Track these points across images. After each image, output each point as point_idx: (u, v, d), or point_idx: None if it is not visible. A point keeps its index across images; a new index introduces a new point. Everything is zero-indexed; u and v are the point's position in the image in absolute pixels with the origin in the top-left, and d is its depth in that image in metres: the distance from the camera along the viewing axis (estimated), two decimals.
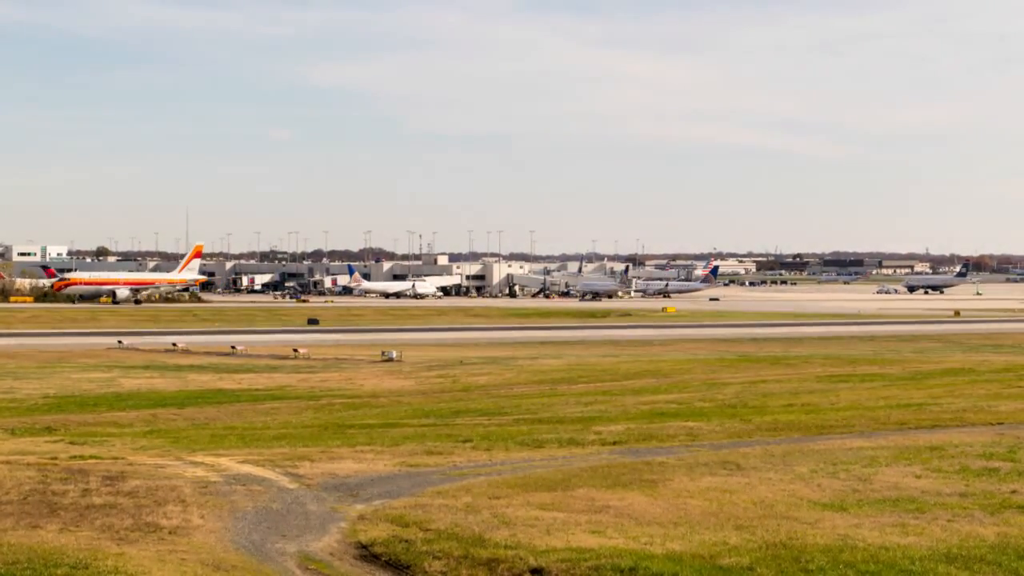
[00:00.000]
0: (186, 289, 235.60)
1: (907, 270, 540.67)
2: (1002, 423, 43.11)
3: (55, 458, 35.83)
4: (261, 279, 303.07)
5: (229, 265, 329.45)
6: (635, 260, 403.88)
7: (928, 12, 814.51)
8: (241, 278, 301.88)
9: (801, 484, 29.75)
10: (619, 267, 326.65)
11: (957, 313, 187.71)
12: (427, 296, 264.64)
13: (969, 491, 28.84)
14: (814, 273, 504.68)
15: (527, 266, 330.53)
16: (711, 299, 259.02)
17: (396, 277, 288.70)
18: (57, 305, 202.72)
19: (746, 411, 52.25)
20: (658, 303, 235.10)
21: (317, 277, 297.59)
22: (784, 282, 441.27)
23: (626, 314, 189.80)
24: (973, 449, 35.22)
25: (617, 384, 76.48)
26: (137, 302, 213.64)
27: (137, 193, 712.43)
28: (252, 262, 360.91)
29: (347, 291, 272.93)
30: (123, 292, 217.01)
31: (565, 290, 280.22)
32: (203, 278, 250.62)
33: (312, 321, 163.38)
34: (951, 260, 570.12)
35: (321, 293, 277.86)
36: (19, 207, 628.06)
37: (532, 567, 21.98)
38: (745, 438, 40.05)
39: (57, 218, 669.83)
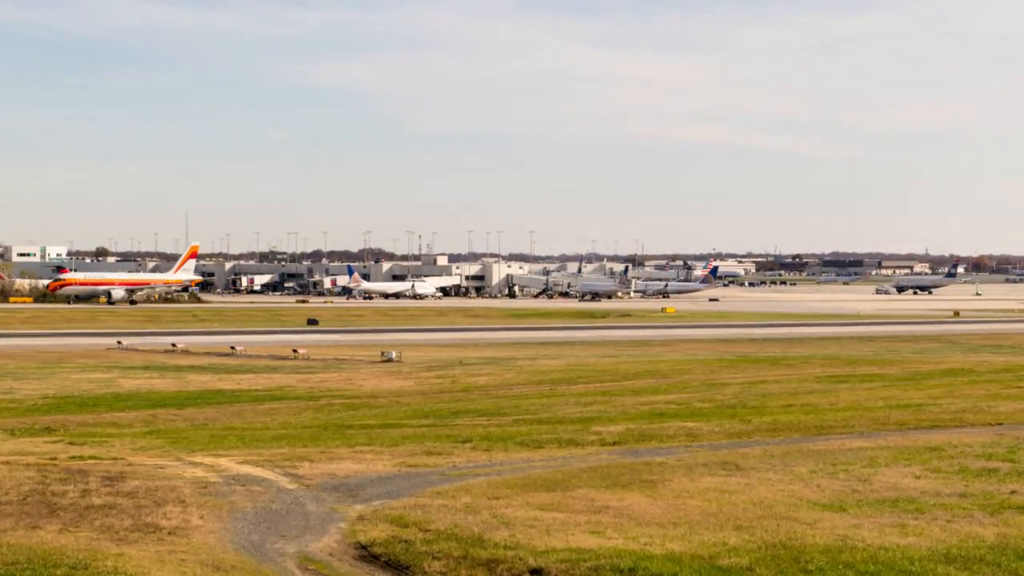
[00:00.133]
0: (184, 289, 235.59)
1: (907, 271, 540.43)
2: (1001, 424, 43.11)
3: (54, 458, 35.83)
4: (260, 279, 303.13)
5: (228, 265, 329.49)
6: (634, 260, 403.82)
7: (928, 12, 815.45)
8: (240, 278, 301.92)
9: (800, 484, 29.76)
10: (618, 267, 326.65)
11: (956, 314, 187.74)
12: (426, 297, 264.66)
13: (968, 491, 28.84)
14: (813, 274, 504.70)
15: (527, 266, 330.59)
16: (710, 299, 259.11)
17: (395, 278, 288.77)
18: (56, 306, 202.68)
19: (745, 411, 52.24)
20: (657, 303, 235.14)
21: (316, 278, 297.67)
22: (783, 283, 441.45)
23: (625, 314, 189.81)
24: (972, 450, 35.23)
25: (616, 385, 76.46)
26: (132, 302, 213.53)
27: (137, 193, 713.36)
28: (251, 262, 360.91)
29: (346, 292, 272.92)
30: (119, 292, 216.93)
31: (565, 290, 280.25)
32: (199, 278, 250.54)
33: (311, 321, 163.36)
34: (950, 261, 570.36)
35: (320, 294, 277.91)
36: (19, 207, 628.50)
37: (531, 567, 21.99)
38: (744, 438, 40.05)
39: (57, 218, 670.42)
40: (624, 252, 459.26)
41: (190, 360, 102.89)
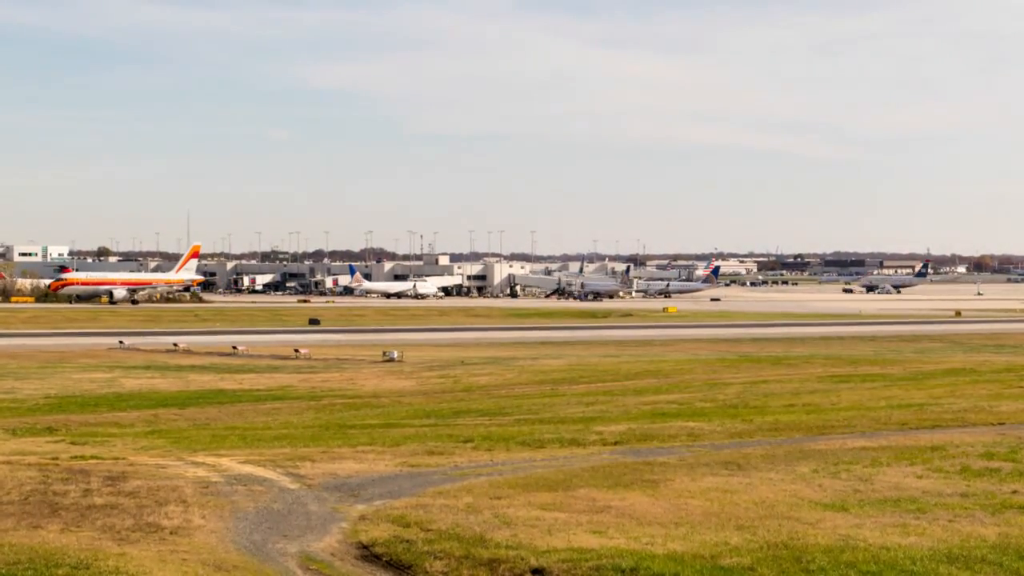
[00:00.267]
0: (186, 289, 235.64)
1: (908, 270, 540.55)
2: (1003, 423, 43.11)
3: (56, 458, 35.84)
4: (262, 279, 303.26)
5: (230, 265, 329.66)
6: (636, 260, 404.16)
7: (927, 12, 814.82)
8: (242, 278, 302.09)
9: (802, 484, 29.75)
10: (620, 267, 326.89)
11: (958, 313, 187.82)
12: (428, 296, 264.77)
13: (970, 491, 28.84)
14: (815, 273, 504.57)
15: (528, 266, 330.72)
16: (712, 299, 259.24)
17: (397, 277, 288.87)
18: (58, 305, 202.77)
19: (747, 411, 52.25)
20: (659, 303, 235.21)
21: (318, 277, 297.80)
22: (785, 282, 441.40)
23: (627, 314, 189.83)
24: (974, 449, 35.22)
25: (618, 384, 76.46)
26: (134, 302, 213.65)
27: (138, 193, 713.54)
28: (253, 262, 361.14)
29: (348, 291, 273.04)
30: (120, 292, 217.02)
31: (568, 290, 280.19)
32: (200, 278, 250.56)
33: (313, 321, 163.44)
34: (952, 260, 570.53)
35: (322, 293, 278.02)
36: (21, 207, 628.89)
37: (533, 567, 21.98)
38: (746, 438, 40.04)
39: (58, 218, 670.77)
40: (626, 252, 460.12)
41: (192, 360, 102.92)
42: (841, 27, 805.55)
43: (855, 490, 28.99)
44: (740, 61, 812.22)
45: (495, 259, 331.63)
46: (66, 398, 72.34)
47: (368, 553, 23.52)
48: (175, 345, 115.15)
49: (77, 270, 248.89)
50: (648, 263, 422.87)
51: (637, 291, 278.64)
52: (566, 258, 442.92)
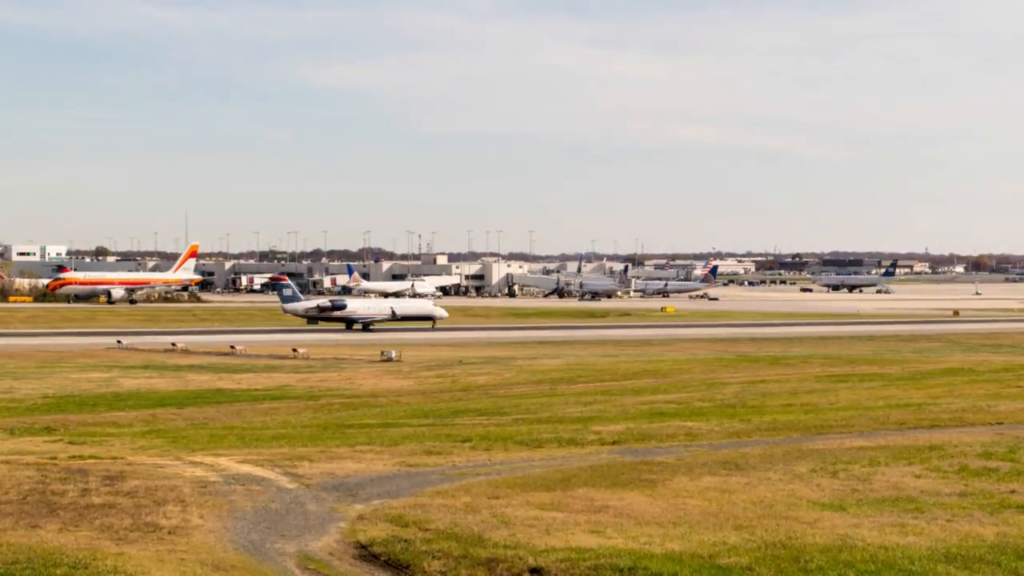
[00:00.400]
0: (184, 289, 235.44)
1: (907, 270, 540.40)
2: (1001, 423, 43.14)
3: (54, 458, 35.83)
4: (260, 279, 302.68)
5: (228, 265, 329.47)
6: (634, 260, 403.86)
7: (926, 12, 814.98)
8: (240, 278, 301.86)
9: (800, 484, 29.76)
10: (618, 267, 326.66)
11: (956, 313, 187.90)
12: (426, 296, 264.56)
13: (968, 491, 28.85)
14: (813, 273, 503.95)
15: (526, 266, 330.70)
16: (710, 299, 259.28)
17: (395, 277, 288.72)
18: (56, 305, 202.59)
19: (745, 411, 52.26)
20: (657, 303, 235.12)
21: (316, 277, 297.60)
22: (783, 282, 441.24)
23: (625, 314, 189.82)
24: (972, 449, 35.24)
25: (616, 384, 76.47)
26: (132, 302, 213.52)
27: (136, 193, 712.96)
28: (251, 262, 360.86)
29: (346, 291, 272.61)
30: (118, 292, 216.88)
31: (566, 289, 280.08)
32: (198, 278, 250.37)
33: (312, 321, 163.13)
34: (950, 260, 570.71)
35: (320, 293, 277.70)
36: (19, 207, 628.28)
37: (531, 567, 21.98)
38: (744, 438, 40.05)
39: (56, 218, 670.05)
40: (624, 252, 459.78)
41: (190, 359, 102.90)
42: (839, 27, 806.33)
43: (853, 490, 29.00)
44: (739, 61, 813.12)
45: (493, 259, 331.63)
46: (64, 398, 72.31)
47: (366, 552, 23.52)
48: (173, 345, 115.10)
49: (75, 270, 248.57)
50: (646, 263, 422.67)
51: (635, 291, 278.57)
52: (564, 258, 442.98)
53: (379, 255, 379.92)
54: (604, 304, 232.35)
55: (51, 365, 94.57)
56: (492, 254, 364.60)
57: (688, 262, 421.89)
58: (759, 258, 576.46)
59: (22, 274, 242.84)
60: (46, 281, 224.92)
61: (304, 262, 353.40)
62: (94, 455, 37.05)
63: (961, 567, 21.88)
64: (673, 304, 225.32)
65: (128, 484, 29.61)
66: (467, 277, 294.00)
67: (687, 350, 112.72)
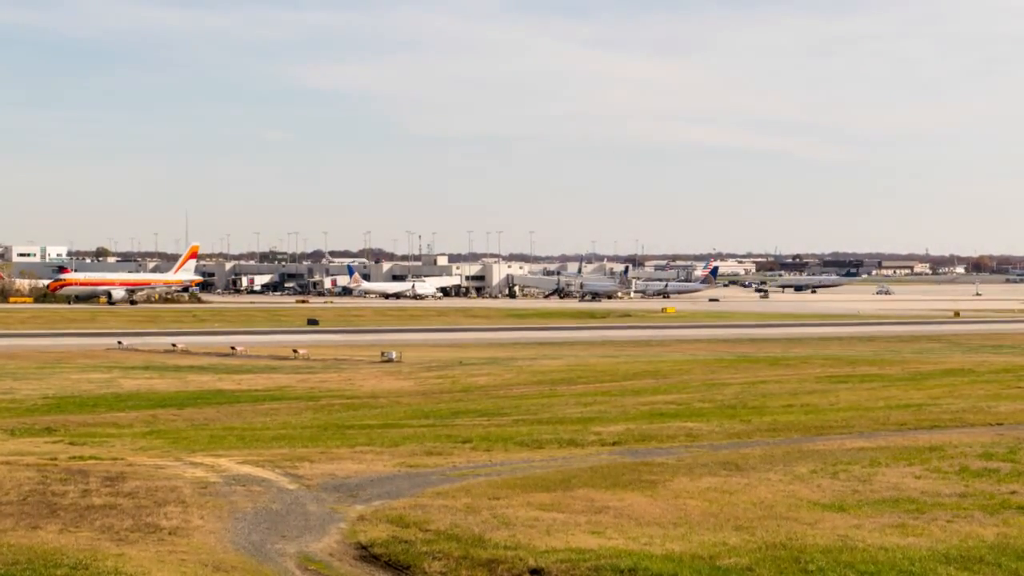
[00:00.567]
0: (184, 289, 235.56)
1: (907, 270, 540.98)
2: (1002, 424, 43.12)
3: (55, 459, 35.82)
4: (261, 280, 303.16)
5: (229, 266, 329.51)
6: (635, 261, 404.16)
7: (925, 13, 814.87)
8: (241, 279, 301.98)
9: (801, 485, 29.76)
10: (619, 268, 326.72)
11: (957, 314, 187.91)
12: (427, 297, 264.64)
13: (969, 492, 28.85)
14: (814, 274, 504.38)
15: (527, 267, 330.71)
16: (711, 300, 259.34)
17: (396, 278, 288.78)
18: (56, 306, 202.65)
19: (745, 412, 52.25)
20: (658, 304, 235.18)
21: (317, 278, 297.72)
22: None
23: (625, 315, 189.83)
24: (973, 450, 35.23)
25: (616, 385, 76.45)
26: (133, 303, 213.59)
27: (137, 194, 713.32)
28: (252, 263, 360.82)
29: (347, 292, 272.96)
30: (119, 293, 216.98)
31: (567, 290, 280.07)
32: (199, 278, 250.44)
33: (312, 322, 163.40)
34: (951, 260, 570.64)
35: (321, 294, 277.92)
36: (19, 207, 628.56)
37: (532, 568, 21.98)
38: (745, 439, 40.04)
39: (57, 219, 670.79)
40: (624, 252, 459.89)
41: (190, 360, 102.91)
42: (839, 27, 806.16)
43: (853, 490, 29.00)
44: (738, 61, 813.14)
45: (493, 259, 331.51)
46: (64, 398, 72.32)
47: (367, 553, 23.52)
48: (173, 345, 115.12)
49: (76, 270, 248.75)
50: (646, 263, 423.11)
51: (635, 291, 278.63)
52: (564, 258, 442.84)
53: (379, 256, 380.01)
54: (604, 305, 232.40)
55: (51, 366, 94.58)
56: (492, 255, 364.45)
57: (688, 263, 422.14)
58: (760, 259, 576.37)
59: (22, 275, 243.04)
60: (46, 282, 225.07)
61: (304, 263, 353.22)
62: (94, 456, 37.04)
63: (961, 568, 21.88)
64: (673, 305, 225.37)
65: (128, 485, 29.61)
66: (467, 278, 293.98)
67: (687, 351, 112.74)
